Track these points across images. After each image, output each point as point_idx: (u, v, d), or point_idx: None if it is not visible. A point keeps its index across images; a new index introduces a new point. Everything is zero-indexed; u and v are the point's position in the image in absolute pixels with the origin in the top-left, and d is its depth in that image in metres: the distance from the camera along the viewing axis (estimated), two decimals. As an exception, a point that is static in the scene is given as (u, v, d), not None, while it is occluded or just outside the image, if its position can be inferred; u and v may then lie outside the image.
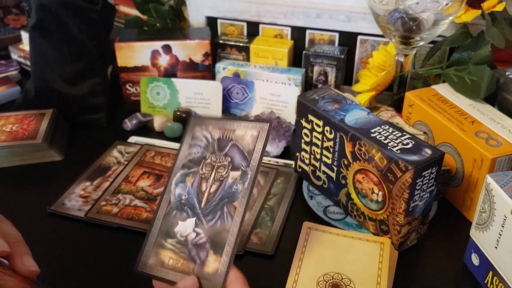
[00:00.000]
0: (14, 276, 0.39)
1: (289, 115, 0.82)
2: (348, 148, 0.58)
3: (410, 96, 0.70)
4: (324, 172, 0.63)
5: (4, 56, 1.04)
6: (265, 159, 0.74)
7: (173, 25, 0.95)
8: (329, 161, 0.61)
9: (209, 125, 0.50)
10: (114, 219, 0.62)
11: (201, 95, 0.83)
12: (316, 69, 0.85)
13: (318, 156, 0.63)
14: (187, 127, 0.50)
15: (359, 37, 0.84)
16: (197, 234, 0.44)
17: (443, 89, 0.71)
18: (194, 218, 0.45)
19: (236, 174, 0.46)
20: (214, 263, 0.42)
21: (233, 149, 0.48)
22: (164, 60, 0.85)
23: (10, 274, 0.39)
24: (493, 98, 0.68)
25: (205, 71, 0.86)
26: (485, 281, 0.53)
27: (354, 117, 0.58)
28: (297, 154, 0.67)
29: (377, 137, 0.55)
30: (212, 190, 0.46)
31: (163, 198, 0.48)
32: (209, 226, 0.44)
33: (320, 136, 0.61)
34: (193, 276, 0.42)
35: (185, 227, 0.45)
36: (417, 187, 0.52)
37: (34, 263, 0.40)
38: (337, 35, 0.85)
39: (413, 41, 0.70)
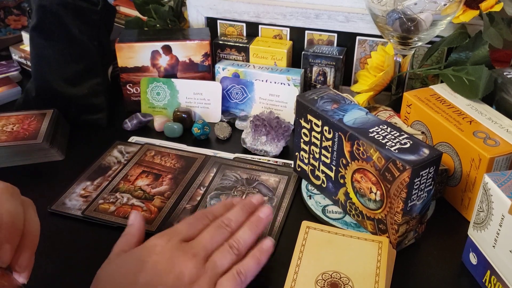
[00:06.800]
0: None
1: (288, 115, 0.82)
2: (346, 147, 0.58)
3: (408, 96, 0.70)
4: (323, 172, 0.63)
5: (5, 56, 1.05)
6: (265, 159, 0.74)
7: (173, 25, 0.95)
8: (328, 161, 0.62)
9: (237, 170, 0.70)
10: (111, 217, 0.62)
11: (200, 95, 0.84)
12: (315, 69, 0.85)
13: (317, 156, 0.63)
14: (219, 168, 0.70)
15: (358, 38, 0.85)
16: None
17: (441, 89, 0.71)
18: None
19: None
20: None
21: (259, 185, 0.68)
22: (164, 61, 0.85)
23: None
24: (491, 98, 0.68)
25: (205, 71, 0.86)
26: (483, 280, 0.53)
27: (353, 117, 0.59)
28: (296, 153, 0.67)
29: (375, 136, 0.55)
30: None
31: (199, 206, 0.64)
32: None
33: (319, 136, 0.62)
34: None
35: None
36: (415, 187, 0.52)
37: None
38: (335, 35, 0.86)
39: (411, 42, 0.71)
